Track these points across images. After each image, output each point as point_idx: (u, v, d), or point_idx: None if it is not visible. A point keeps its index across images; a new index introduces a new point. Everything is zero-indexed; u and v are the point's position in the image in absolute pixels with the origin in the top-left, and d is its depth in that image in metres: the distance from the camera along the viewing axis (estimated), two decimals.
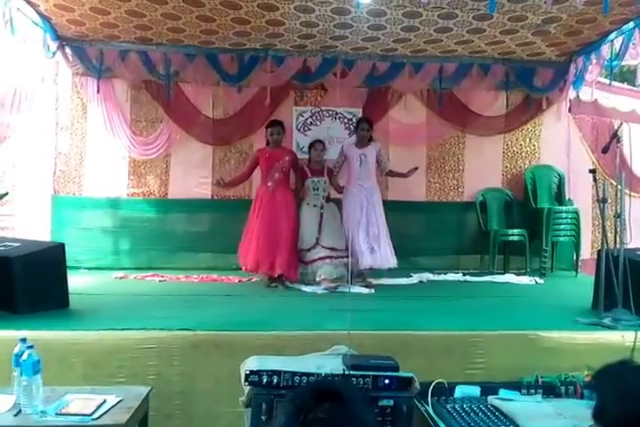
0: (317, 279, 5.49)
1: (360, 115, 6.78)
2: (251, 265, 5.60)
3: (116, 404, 2.35)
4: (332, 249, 5.58)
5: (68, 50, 6.51)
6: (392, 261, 5.68)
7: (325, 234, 5.63)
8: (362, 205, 5.69)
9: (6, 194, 6.22)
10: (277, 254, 5.52)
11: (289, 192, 5.77)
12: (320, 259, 5.56)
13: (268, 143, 5.82)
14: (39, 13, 5.75)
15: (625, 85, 7.97)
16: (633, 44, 5.61)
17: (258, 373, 2.38)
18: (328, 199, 5.81)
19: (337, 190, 5.97)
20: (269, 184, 5.67)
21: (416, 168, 5.90)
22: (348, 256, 5.51)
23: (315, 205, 5.73)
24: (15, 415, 2.23)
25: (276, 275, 5.55)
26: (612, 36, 5.90)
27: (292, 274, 5.62)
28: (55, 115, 6.77)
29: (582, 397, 2.70)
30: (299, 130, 6.89)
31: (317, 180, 5.76)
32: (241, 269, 5.78)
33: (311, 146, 5.87)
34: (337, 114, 6.94)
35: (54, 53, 6.36)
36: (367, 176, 5.80)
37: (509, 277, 6.29)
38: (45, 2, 5.45)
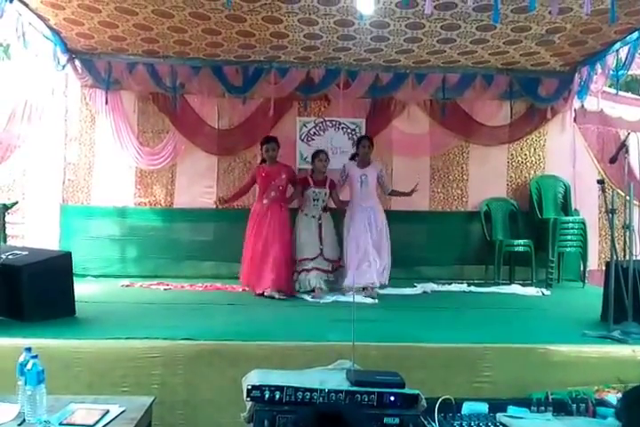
0: (310, 287, 5.59)
1: (363, 125, 6.85)
2: (252, 283, 5.68)
3: (118, 414, 2.35)
4: (332, 261, 5.71)
5: (77, 62, 6.64)
6: (379, 280, 5.68)
7: (327, 246, 5.71)
8: (364, 225, 5.72)
9: (16, 203, 6.33)
10: (271, 272, 5.53)
11: (284, 209, 5.83)
12: (318, 269, 5.64)
13: (263, 160, 5.88)
14: (49, 27, 5.86)
15: (631, 95, 7.94)
16: (639, 53, 5.62)
17: (260, 388, 2.33)
18: (325, 209, 5.86)
19: (337, 205, 6.02)
20: (265, 202, 5.75)
21: (417, 184, 5.92)
22: (344, 267, 5.65)
23: (313, 216, 5.79)
24: (19, 425, 2.24)
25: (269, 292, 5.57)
26: (616, 45, 5.90)
27: (287, 289, 5.64)
28: (64, 126, 6.89)
29: (594, 415, 2.64)
30: (302, 140, 6.95)
31: (319, 191, 5.80)
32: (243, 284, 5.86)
33: (315, 156, 5.90)
34: (340, 124, 6.99)
35: (64, 66, 6.47)
36: (368, 196, 5.85)
37: (515, 288, 6.26)
38: (55, 16, 5.55)
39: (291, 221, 5.84)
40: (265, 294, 5.53)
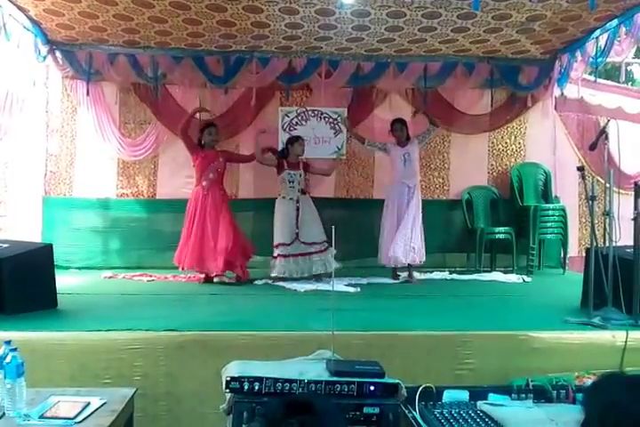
0: (296, 275, 5.66)
1: (345, 114, 6.82)
2: (187, 264, 5.72)
3: (99, 407, 2.34)
4: (311, 244, 5.71)
5: (58, 54, 6.58)
6: (419, 259, 5.91)
7: (304, 229, 5.74)
8: (401, 204, 5.86)
9: None
10: (214, 254, 5.62)
11: (223, 192, 5.91)
12: (300, 255, 5.69)
13: (200, 144, 5.90)
14: (29, 18, 5.80)
15: (610, 82, 7.97)
16: (618, 40, 5.63)
17: (239, 379, 2.31)
18: (304, 192, 5.91)
19: (324, 174, 6.21)
20: (204, 184, 5.80)
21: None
22: (328, 248, 5.66)
23: (291, 199, 5.83)
24: None
25: (213, 275, 5.71)
26: (596, 33, 5.93)
27: (240, 272, 5.76)
28: (46, 117, 6.83)
29: (574, 401, 2.65)
30: (284, 130, 6.93)
31: (294, 173, 5.86)
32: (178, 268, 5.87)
33: (295, 140, 5.96)
34: (322, 114, 6.98)
35: (45, 57, 6.42)
36: (412, 174, 5.97)
37: (496, 276, 6.32)
38: (35, 7, 5.50)
39: (229, 204, 5.92)
40: (215, 280, 5.67)
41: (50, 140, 6.85)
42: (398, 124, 6.01)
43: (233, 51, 6.65)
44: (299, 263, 5.69)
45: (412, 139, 6.06)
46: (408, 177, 5.92)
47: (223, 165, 5.91)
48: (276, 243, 5.76)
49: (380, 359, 2.70)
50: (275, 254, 5.75)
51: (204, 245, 5.66)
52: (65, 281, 5.12)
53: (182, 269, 5.82)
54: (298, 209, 5.80)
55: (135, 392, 2.63)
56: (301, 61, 6.80)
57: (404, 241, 5.78)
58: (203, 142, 5.89)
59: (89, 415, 2.27)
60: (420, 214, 5.92)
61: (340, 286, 5.31)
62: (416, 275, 6.17)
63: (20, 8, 5.53)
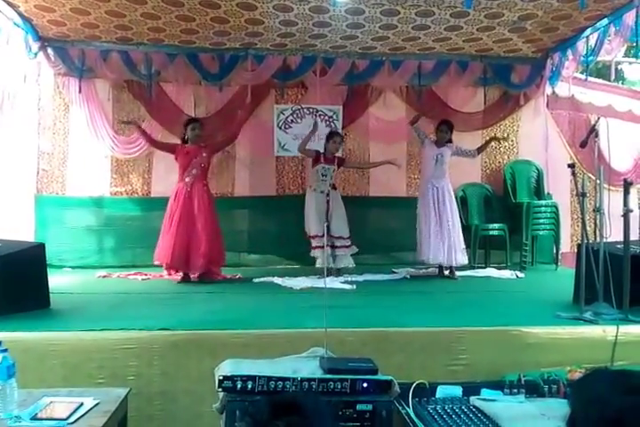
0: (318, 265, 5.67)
1: (340, 112, 6.85)
2: (169, 262, 5.69)
3: (92, 407, 2.32)
4: (337, 238, 5.75)
5: (49, 50, 6.54)
6: (459, 260, 5.91)
7: (333, 223, 5.77)
8: (433, 205, 5.91)
9: None
10: (195, 255, 5.62)
11: (207, 188, 5.87)
12: (329, 247, 5.69)
13: (184, 141, 5.86)
14: (20, 14, 5.75)
15: (601, 81, 8.02)
16: (608, 39, 5.68)
17: (232, 378, 2.31)
18: (334, 187, 5.98)
19: (363, 167, 6.45)
20: (187, 180, 5.76)
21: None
22: (352, 245, 5.77)
23: (322, 191, 5.87)
24: None
25: (194, 276, 5.71)
26: (587, 32, 5.98)
27: (214, 273, 5.79)
28: (38, 115, 6.78)
29: (565, 396, 2.66)
30: (280, 128, 6.93)
31: (328, 167, 5.90)
32: (159, 265, 5.85)
33: (330, 138, 5.98)
34: (317, 111, 6.98)
35: (36, 54, 6.37)
36: (440, 175, 6.01)
37: (490, 272, 6.36)
38: (25, 3, 5.45)
39: (214, 200, 5.90)
40: (192, 279, 5.69)
41: (42, 138, 6.81)
42: (445, 127, 6.02)
43: (227, 48, 6.63)
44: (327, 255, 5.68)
45: (449, 144, 6.08)
46: (437, 177, 5.99)
47: (207, 160, 5.88)
48: (312, 234, 5.79)
49: (373, 356, 2.71)
50: (313, 245, 5.77)
51: (190, 245, 5.62)
52: (58, 280, 5.11)
53: (166, 268, 5.79)
54: (328, 202, 5.83)
55: (129, 392, 2.62)
56: (296, 59, 6.79)
57: (449, 243, 5.86)
58: (186, 138, 5.85)
59: (82, 416, 2.25)
60: (456, 215, 6.01)
61: (335, 283, 5.34)
62: (411, 271, 6.25)
63: (9, 4, 5.48)
